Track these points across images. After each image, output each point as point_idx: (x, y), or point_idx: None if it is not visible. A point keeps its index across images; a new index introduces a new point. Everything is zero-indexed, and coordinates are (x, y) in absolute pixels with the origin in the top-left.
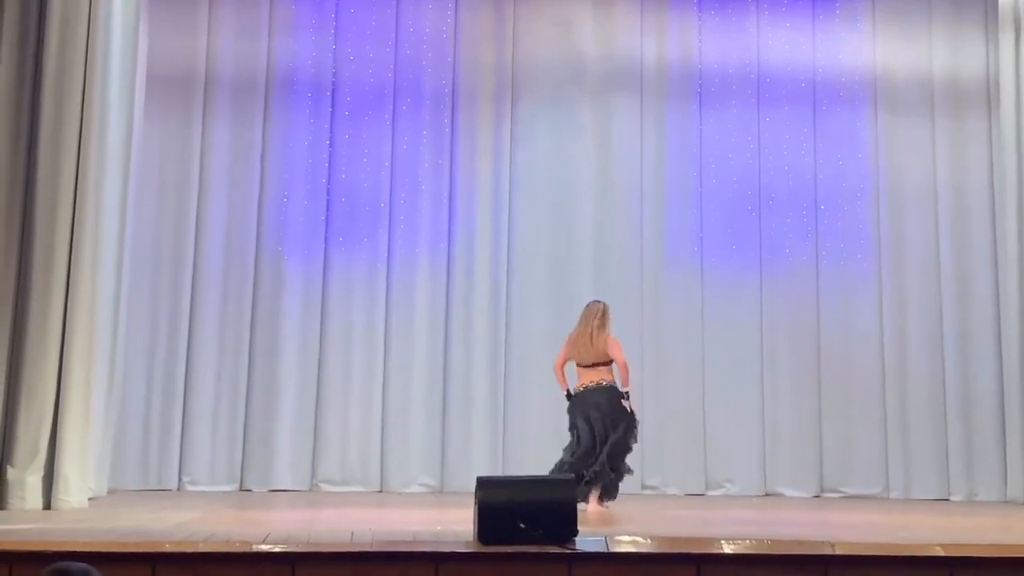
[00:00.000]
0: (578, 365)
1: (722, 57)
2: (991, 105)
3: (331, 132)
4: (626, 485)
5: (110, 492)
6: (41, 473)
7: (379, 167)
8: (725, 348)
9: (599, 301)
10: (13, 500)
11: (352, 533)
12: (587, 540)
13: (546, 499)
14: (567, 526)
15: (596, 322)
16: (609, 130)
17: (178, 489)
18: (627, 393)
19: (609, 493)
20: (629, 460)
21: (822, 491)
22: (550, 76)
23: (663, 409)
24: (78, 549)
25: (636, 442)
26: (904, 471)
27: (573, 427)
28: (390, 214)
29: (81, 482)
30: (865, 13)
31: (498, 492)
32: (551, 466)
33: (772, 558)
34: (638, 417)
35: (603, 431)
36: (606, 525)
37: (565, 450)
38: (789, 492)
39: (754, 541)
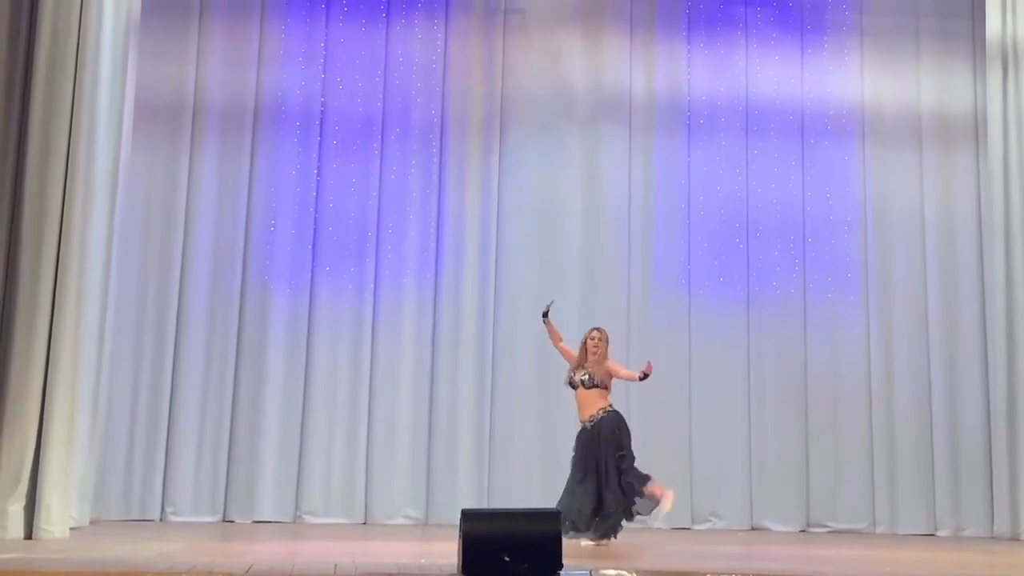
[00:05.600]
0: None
1: (710, 89)
2: (978, 138)
3: (319, 161)
4: None
5: (92, 522)
6: (23, 502)
7: (367, 196)
8: (712, 380)
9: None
10: None
11: (336, 565)
12: (572, 574)
13: (531, 532)
14: (552, 559)
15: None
16: (597, 161)
17: (161, 520)
18: None
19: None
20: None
21: (808, 525)
22: (539, 106)
23: (649, 441)
24: None
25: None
26: (890, 506)
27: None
28: (377, 243)
29: (63, 512)
30: (853, 47)
31: (483, 524)
32: (538, 498)
33: None
34: None
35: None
36: (593, 559)
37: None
38: (775, 526)
39: (740, 575)
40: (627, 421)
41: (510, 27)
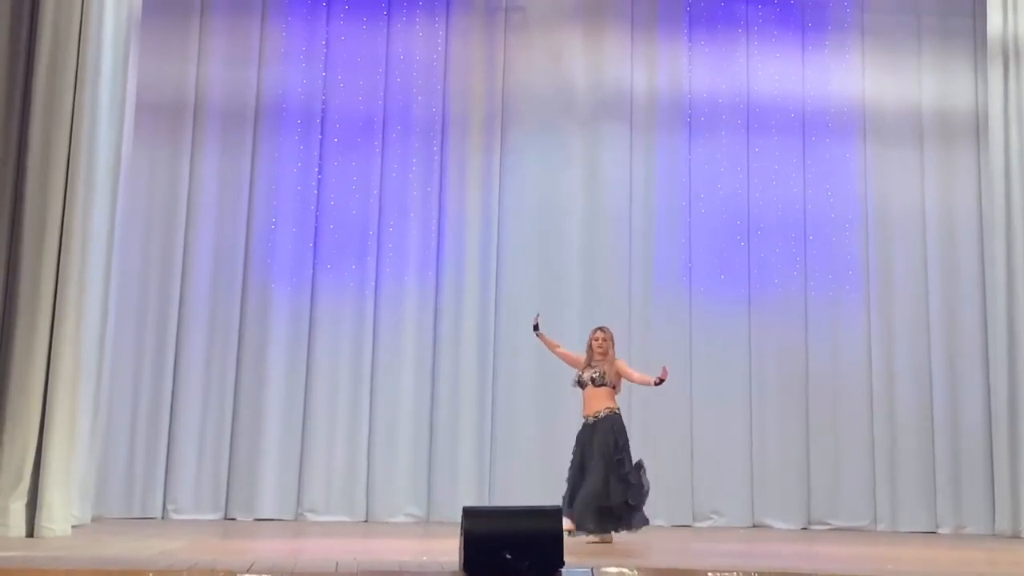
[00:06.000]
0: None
1: (712, 87)
2: (979, 136)
3: (320, 159)
4: None
5: (94, 520)
6: (25, 500)
7: (368, 195)
8: (713, 378)
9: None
10: None
11: (337, 563)
12: (573, 571)
13: (533, 530)
14: (553, 557)
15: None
16: (598, 159)
17: (163, 517)
18: None
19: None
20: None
21: (809, 523)
22: (540, 105)
23: (650, 439)
24: None
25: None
26: (891, 503)
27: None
28: (378, 242)
29: (65, 510)
30: (854, 44)
31: (484, 522)
32: (540, 496)
33: None
34: None
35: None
36: (594, 557)
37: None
38: (776, 524)
39: (741, 573)
40: (629, 419)
41: (511, 25)
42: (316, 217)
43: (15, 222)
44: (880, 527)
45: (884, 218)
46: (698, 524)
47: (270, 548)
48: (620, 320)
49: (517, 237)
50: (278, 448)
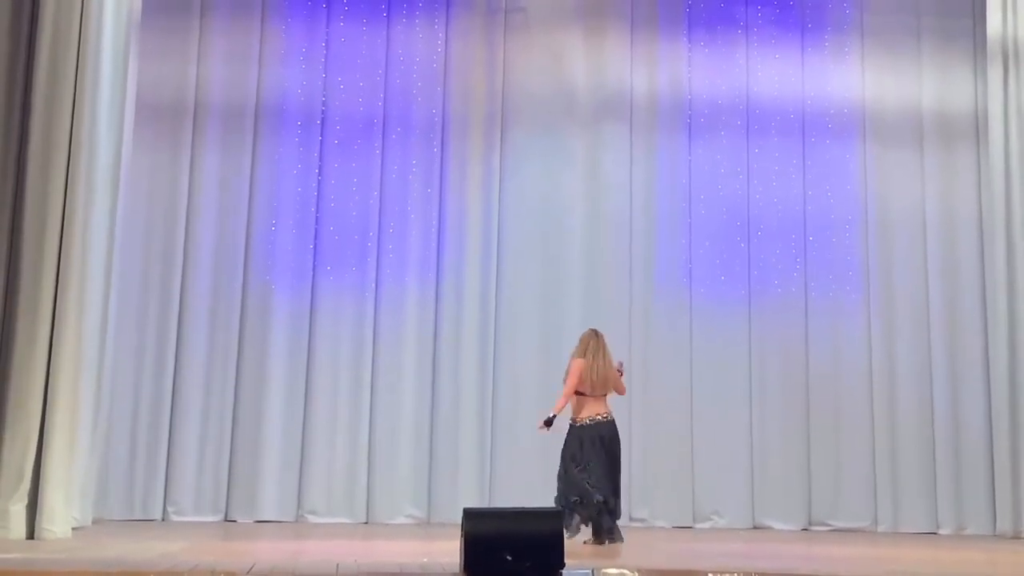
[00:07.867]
0: (587, 395)
1: (712, 88)
2: (979, 137)
3: (320, 161)
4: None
5: (94, 522)
6: (25, 502)
7: (368, 196)
8: (714, 379)
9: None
10: None
11: (338, 565)
12: (574, 572)
13: (533, 531)
14: (554, 558)
15: (607, 353)
16: (599, 160)
17: (163, 519)
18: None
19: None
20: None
21: (810, 524)
22: (540, 106)
23: (651, 441)
24: None
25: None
26: (892, 504)
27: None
28: (378, 243)
29: (65, 512)
30: (854, 45)
31: (485, 524)
32: (540, 497)
33: None
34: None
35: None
36: (595, 558)
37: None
38: (777, 525)
39: (742, 574)
40: (630, 419)
41: (511, 26)
42: (316, 219)
43: (15, 223)
44: (881, 528)
45: (884, 219)
46: (699, 525)
47: (270, 550)
48: (620, 321)
49: (517, 238)
50: (278, 450)
